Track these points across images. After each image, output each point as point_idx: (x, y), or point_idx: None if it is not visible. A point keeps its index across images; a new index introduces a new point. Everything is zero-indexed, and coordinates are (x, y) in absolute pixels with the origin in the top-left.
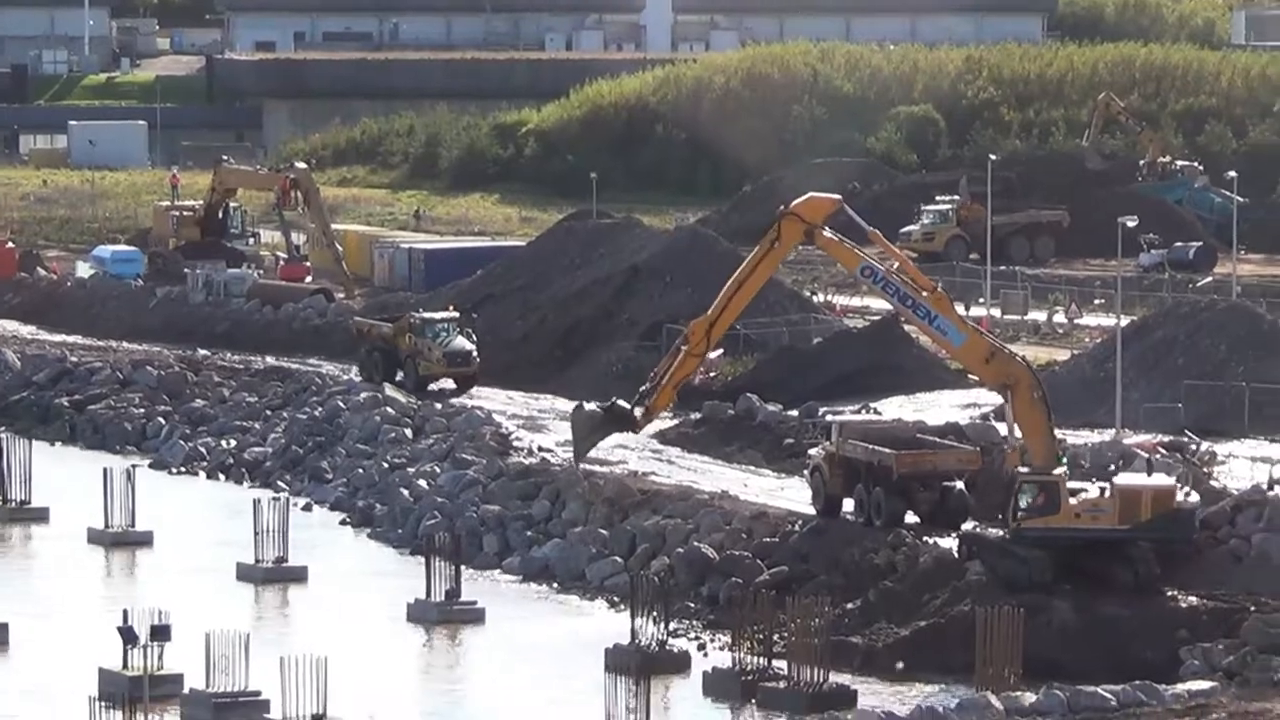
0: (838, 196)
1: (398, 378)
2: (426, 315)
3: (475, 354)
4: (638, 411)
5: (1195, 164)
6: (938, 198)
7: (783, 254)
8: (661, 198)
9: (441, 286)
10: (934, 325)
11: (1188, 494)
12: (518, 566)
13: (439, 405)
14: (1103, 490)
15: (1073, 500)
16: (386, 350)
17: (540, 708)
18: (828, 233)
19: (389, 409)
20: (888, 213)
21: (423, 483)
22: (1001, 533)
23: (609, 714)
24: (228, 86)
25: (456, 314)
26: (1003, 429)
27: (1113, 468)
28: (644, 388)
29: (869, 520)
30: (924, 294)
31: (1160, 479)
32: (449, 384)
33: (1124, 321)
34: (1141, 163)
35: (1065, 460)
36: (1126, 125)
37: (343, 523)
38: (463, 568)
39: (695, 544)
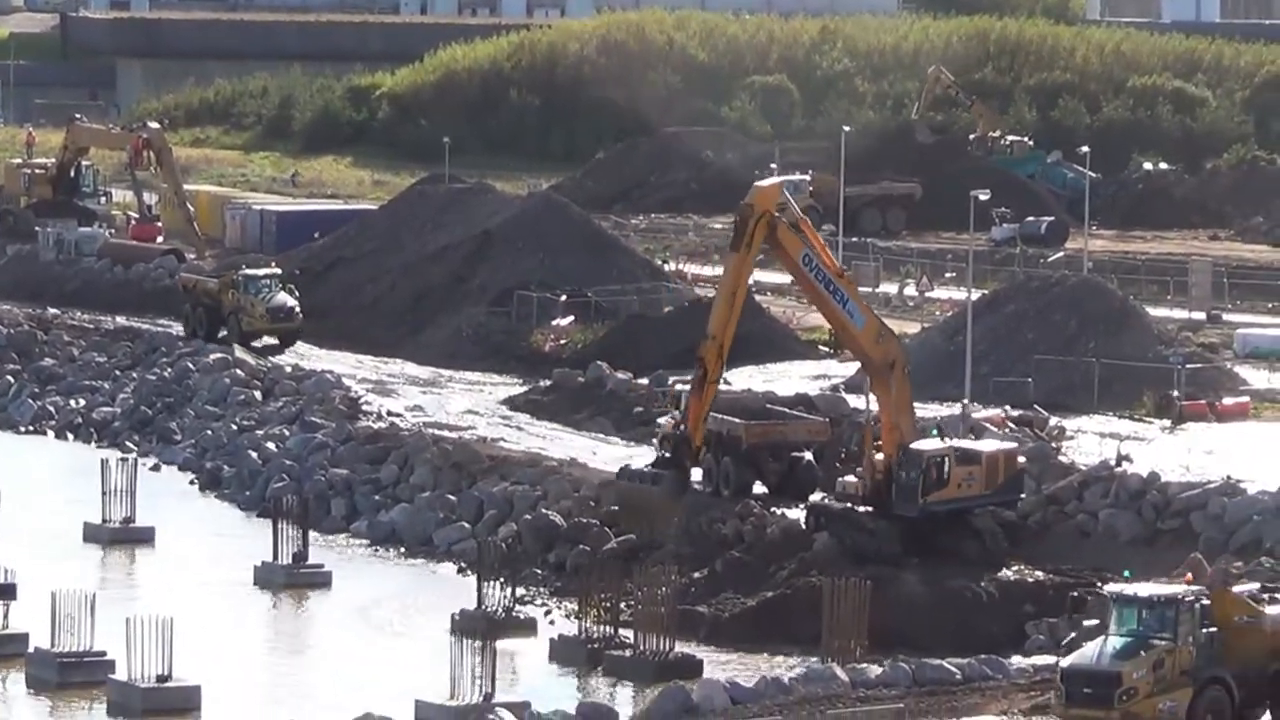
0: (779, 180)
1: (221, 334)
2: (249, 271)
3: (298, 310)
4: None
5: (1025, 139)
6: (771, 165)
7: (755, 251)
8: (515, 164)
9: (293, 248)
10: (845, 309)
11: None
12: (365, 531)
13: (289, 368)
14: (960, 459)
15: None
16: (210, 306)
17: (386, 672)
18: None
19: (238, 371)
20: (740, 183)
21: (271, 445)
22: (870, 509)
23: (454, 679)
24: (82, 44)
25: (279, 270)
26: (854, 401)
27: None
28: (677, 431)
29: (717, 490)
30: (840, 279)
31: (1000, 443)
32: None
33: (975, 295)
34: (971, 136)
35: (935, 433)
36: (957, 99)
37: (191, 484)
38: (310, 531)
39: (543, 511)
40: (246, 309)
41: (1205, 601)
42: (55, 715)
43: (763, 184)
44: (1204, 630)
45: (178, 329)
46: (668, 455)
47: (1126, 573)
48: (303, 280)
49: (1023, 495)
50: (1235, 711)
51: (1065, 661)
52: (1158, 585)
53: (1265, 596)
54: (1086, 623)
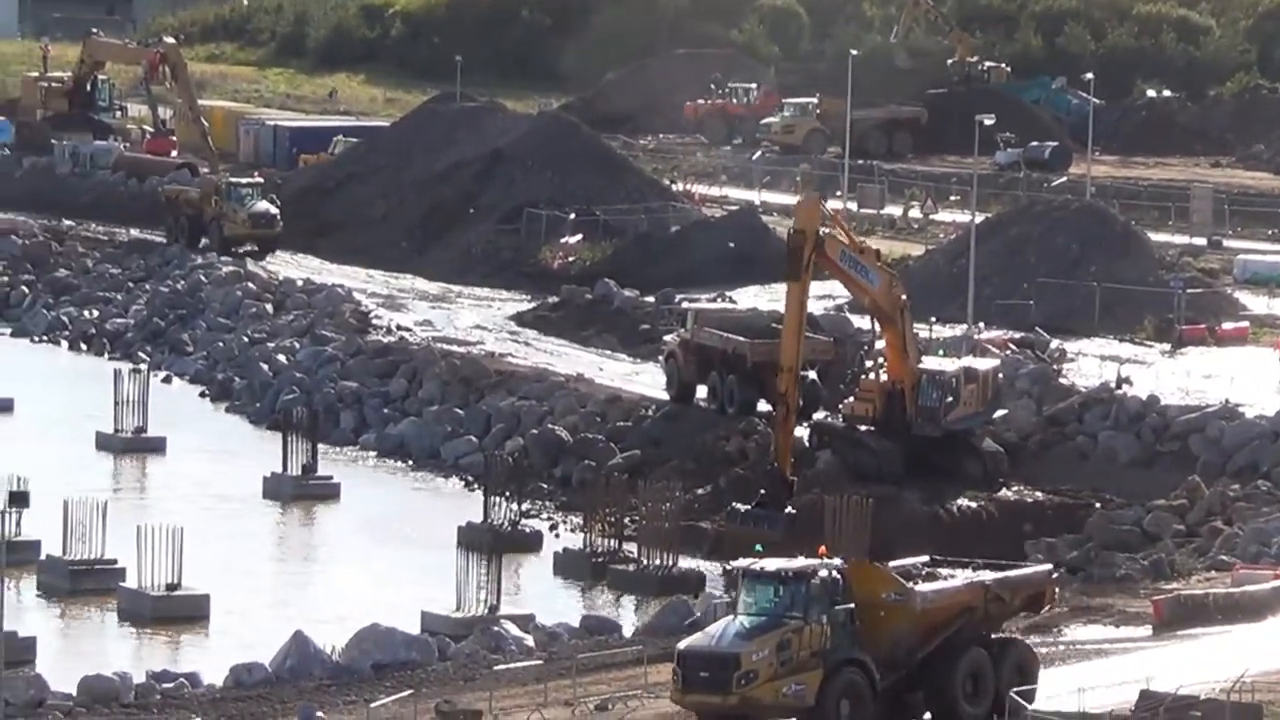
0: (817, 195)
1: (202, 243)
2: (232, 180)
3: (278, 217)
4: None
5: (1003, 65)
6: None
7: (811, 274)
8: (525, 83)
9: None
10: (866, 278)
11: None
12: (374, 443)
13: (300, 282)
14: (966, 377)
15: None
16: (192, 215)
17: (393, 584)
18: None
19: (250, 284)
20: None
21: (281, 358)
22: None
23: (460, 591)
24: None
25: (262, 180)
26: (857, 321)
27: None
28: (768, 467)
29: (722, 407)
30: (862, 255)
31: (986, 360)
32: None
33: (978, 218)
34: (950, 61)
35: (941, 353)
36: (935, 25)
37: (202, 395)
38: (319, 443)
39: (550, 426)
40: (229, 216)
41: (841, 577)
42: (66, 622)
43: (803, 204)
44: (841, 608)
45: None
46: (764, 492)
47: (758, 547)
48: (309, 197)
49: (1002, 412)
50: (876, 696)
51: (683, 643)
52: (788, 560)
53: (925, 571)
54: (716, 599)
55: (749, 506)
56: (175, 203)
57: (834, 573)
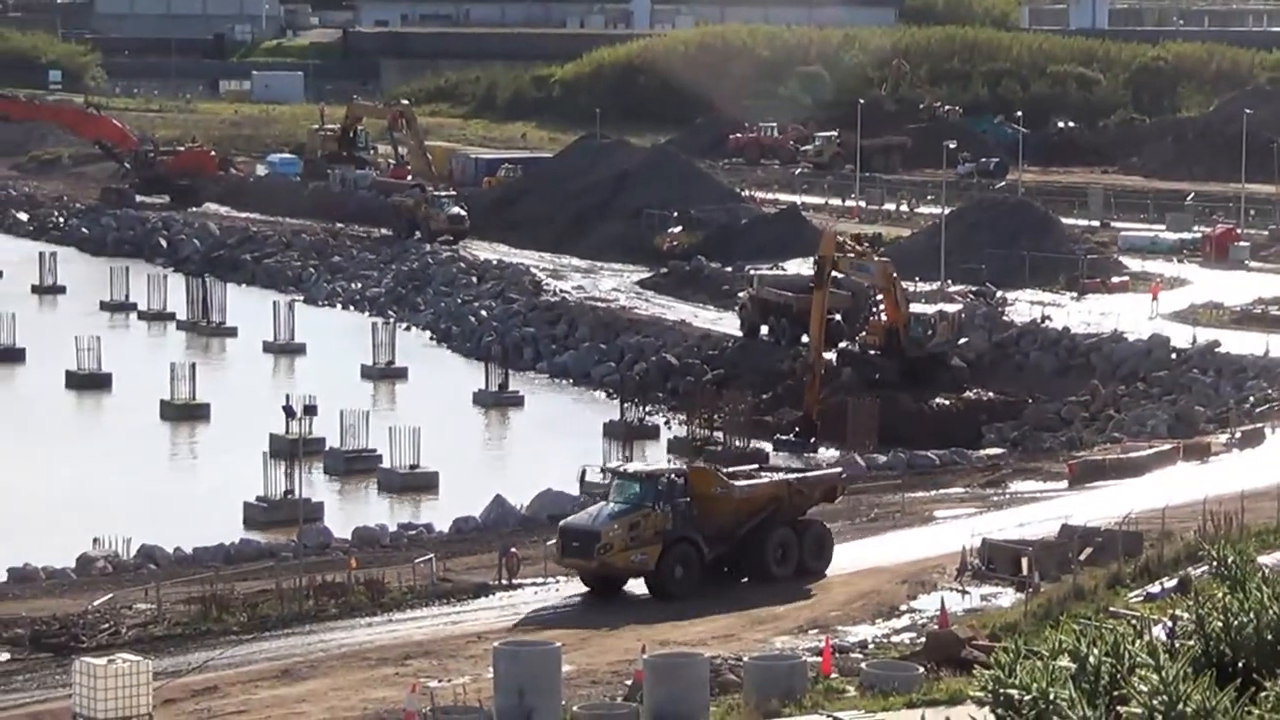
0: (833, 229)
1: (416, 236)
2: (436, 193)
3: (466, 218)
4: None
5: (956, 108)
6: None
7: (829, 284)
8: (642, 126)
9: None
10: (867, 272)
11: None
12: (546, 368)
13: (494, 261)
14: (940, 317)
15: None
16: (409, 217)
17: (559, 460)
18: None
19: (461, 263)
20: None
21: (483, 312)
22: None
23: (604, 463)
24: (357, 49)
25: (455, 193)
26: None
27: None
28: (801, 414)
29: (777, 340)
30: (861, 257)
31: (953, 305)
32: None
33: (947, 211)
34: (920, 106)
35: (924, 301)
36: (910, 80)
37: (431, 339)
38: (509, 369)
39: (663, 354)
40: (433, 217)
41: (679, 479)
42: (343, 493)
43: (825, 237)
44: (681, 500)
45: (419, 235)
46: (797, 429)
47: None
48: (500, 205)
49: (964, 340)
50: (705, 564)
51: (564, 521)
52: (645, 465)
53: (752, 473)
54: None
55: (788, 437)
56: (399, 209)
57: (676, 475)
